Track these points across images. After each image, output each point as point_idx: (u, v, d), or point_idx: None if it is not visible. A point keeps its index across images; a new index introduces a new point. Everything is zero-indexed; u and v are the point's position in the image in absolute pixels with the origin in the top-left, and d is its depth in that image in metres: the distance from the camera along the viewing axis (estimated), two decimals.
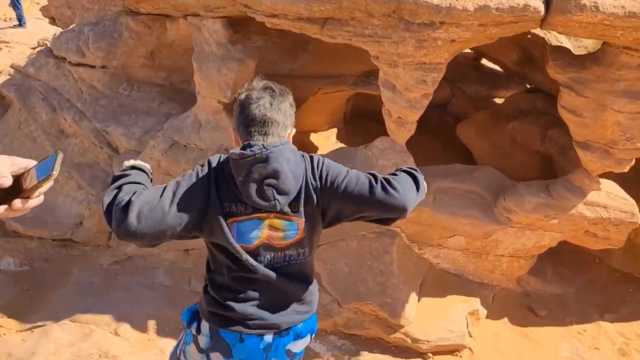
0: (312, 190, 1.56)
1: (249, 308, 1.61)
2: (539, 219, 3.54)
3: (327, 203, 1.58)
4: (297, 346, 1.72)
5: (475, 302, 3.72)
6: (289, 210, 1.57)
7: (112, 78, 4.90)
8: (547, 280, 4.06)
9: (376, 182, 1.56)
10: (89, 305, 3.64)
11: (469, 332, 3.53)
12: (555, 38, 4.67)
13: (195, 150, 4.00)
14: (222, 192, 1.53)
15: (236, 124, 1.58)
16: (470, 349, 3.51)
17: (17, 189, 0.96)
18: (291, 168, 1.53)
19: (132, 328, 3.49)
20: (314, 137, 5.86)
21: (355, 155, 3.67)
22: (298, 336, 1.71)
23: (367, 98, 5.76)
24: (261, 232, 1.57)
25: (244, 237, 1.55)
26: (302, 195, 1.56)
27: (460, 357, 3.47)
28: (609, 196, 3.57)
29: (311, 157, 1.62)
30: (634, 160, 3.43)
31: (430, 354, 3.41)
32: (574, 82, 3.36)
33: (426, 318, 3.51)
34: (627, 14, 2.83)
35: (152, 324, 3.54)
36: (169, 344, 3.22)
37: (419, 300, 3.59)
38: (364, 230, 3.65)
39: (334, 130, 6.06)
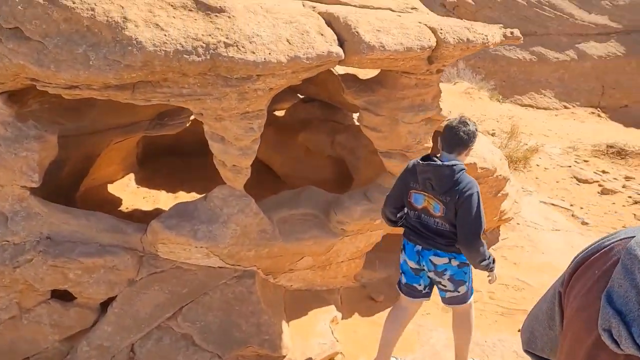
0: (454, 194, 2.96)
1: (412, 234, 3.23)
2: (366, 223, 4.10)
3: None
4: (438, 260, 3.18)
5: (331, 309, 4.14)
6: (436, 197, 3.03)
7: None
8: (375, 268, 4.71)
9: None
10: None
11: (335, 339, 3.94)
12: None
13: (10, 247, 3.51)
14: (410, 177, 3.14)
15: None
16: (341, 352, 3.92)
17: None
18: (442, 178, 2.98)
19: None
20: (112, 188, 5.55)
21: (196, 208, 3.70)
22: (437, 254, 3.15)
23: (156, 136, 5.67)
24: (424, 202, 3.11)
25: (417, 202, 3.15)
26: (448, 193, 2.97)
27: None
28: None
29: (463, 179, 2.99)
30: None
31: None
32: (369, 105, 3.95)
33: (300, 340, 3.81)
34: (405, 49, 3.46)
35: None
36: None
37: (288, 326, 3.85)
38: (223, 279, 3.73)
39: (131, 176, 5.82)
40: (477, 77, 14.65)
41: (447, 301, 3.36)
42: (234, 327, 3.65)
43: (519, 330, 4.24)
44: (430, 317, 4.38)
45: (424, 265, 3.24)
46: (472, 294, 3.37)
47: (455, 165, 2.97)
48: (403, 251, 3.35)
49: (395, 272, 4.84)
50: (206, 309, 3.67)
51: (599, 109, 14.96)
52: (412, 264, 3.30)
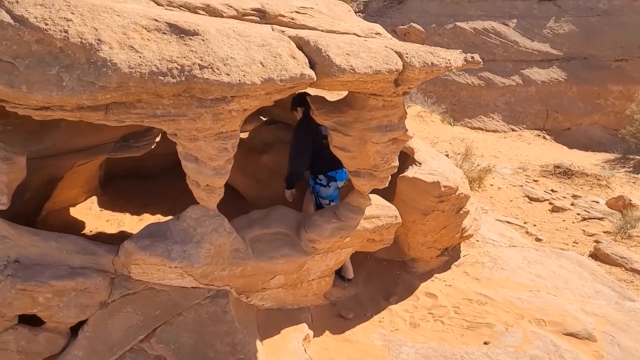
0: None
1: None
2: (336, 241, 4.18)
3: None
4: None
5: (303, 328, 4.18)
6: None
7: None
8: (344, 286, 4.79)
9: None
10: None
11: (308, 356, 3.98)
12: None
13: None
14: None
15: None
16: None
17: None
18: None
19: None
20: (75, 211, 5.44)
21: (169, 229, 3.69)
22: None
23: (119, 158, 5.60)
24: None
25: None
26: None
27: None
28: (378, 207, 4.44)
29: None
30: (390, 177, 4.34)
31: None
32: (338, 125, 4.07)
33: (273, 359, 3.82)
34: (374, 71, 3.61)
35: None
36: None
37: (262, 345, 3.86)
38: (196, 299, 3.72)
39: (94, 199, 5.72)
40: (429, 100, 15.15)
41: None
42: (208, 348, 3.64)
43: (484, 343, 4.40)
44: (400, 332, 4.48)
45: None
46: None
47: None
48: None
49: (363, 289, 4.95)
50: (180, 330, 3.65)
51: (544, 131, 15.71)
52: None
